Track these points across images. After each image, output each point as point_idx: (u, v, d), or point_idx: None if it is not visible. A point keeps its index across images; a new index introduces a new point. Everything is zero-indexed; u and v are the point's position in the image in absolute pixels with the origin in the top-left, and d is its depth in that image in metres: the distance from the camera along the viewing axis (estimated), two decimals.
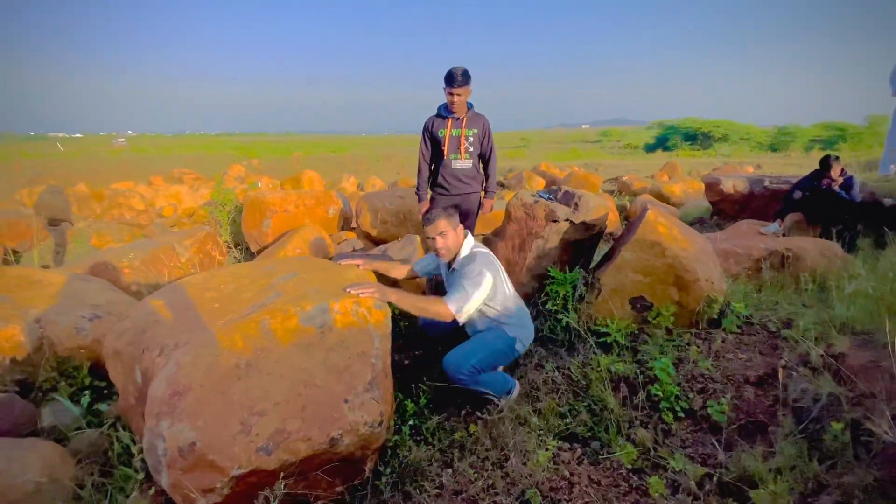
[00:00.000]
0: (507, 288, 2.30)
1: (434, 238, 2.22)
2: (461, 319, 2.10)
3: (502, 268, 2.35)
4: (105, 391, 2.27)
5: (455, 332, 2.43)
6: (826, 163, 4.92)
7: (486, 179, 3.49)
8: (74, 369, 2.27)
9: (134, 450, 1.71)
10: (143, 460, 1.64)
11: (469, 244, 2.30)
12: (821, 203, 4.94)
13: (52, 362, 2.25)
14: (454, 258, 2.31)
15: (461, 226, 2.29)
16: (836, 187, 4.85)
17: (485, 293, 2.13)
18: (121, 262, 3.66)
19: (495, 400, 2.17)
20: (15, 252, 4.97)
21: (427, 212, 2.28)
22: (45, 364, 2.23)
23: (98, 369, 2.33)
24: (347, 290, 1.91)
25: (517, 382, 2.28)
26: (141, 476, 1.65)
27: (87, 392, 2.16)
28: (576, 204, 3.02)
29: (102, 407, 2.07)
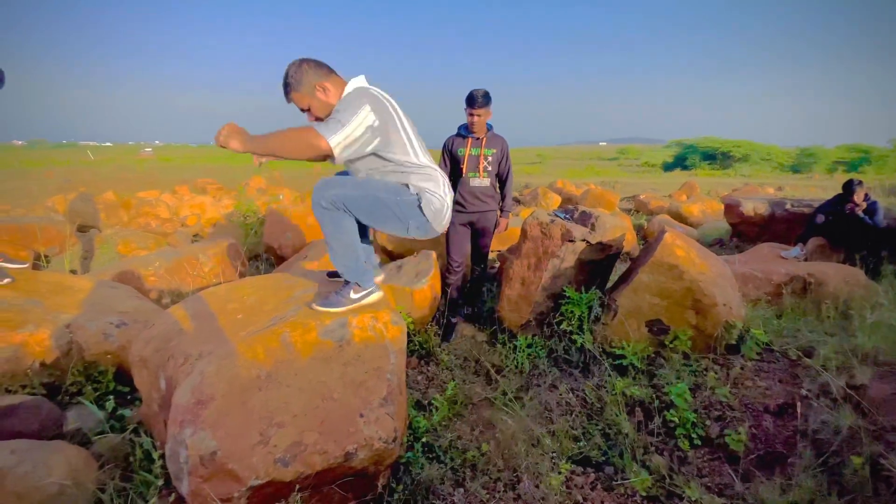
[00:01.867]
0: (415, 152, 1.89)
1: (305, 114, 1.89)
2: (337, 153, 1.68)
3: (403, 119, 1.88)
4: (128, 396, 2.33)
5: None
6: (849, 188, 4.84)
7: (503, 199, 3.53)
8: (100, 374, 2.35)
9: (154, 455, 1.75)
10: (163, 466, 1.69)
11: (353, 85, 1.86)
12: (844, 228, 4.84)
13: (79, 367, 2.32)
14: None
15: (324, 82, 1.81)
16: (859, 212, 4.76)
17: (362, 124, 1.69)
18: (146, 270, 3.77)
19: (342, 283, 1.93)
20: (46, 257, 5.15)
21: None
22: (72, 368, 2.31)
23: (122, 375, 2.40)
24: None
25: (379, 289, 1.99)
26: (160, 482, 1.69)
27: (111, 397, 2.22)
28: (592, 224, 3.03)
29: (125, 412, 2.13)
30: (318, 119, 1.85)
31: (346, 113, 1.69)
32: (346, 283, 1.96)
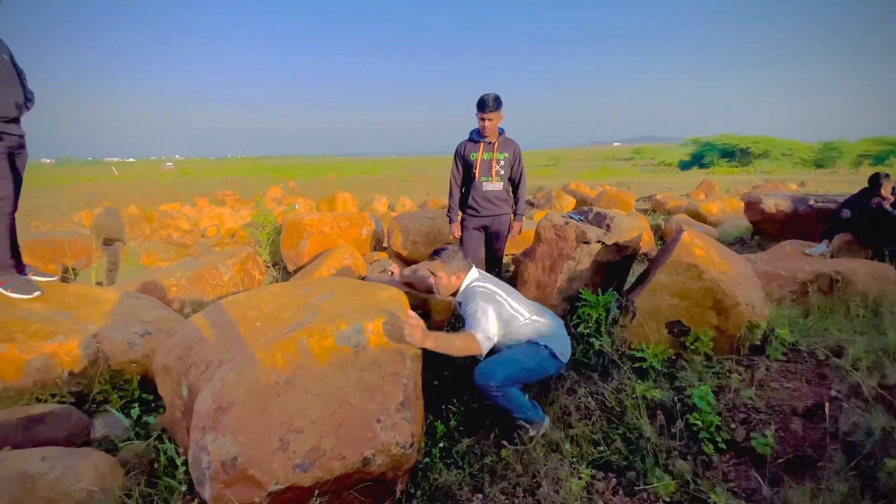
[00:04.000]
0: (522, 314, 2.28)
1: (432, 273, 2.40)
2: (483, 352, 2.09)
3: (513, 293, 2.36)
4: (152, 404, 2.39)
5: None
6: (875, 180, 4.68)
7: (516, 202, 3.52)
8: (125, 382, 2.41)
9: (178, 462, 1.79)
10: (186, 472, 1.72)
11: (468, 280, 2.36)
12: (871, 223, 4.69)
13: (105, 375, 2.39)
14: (456, 292, 2.40)
15: (461, 273, 2.35)
16: (887, 206, 4.60)
17: (495, 321, 2.15)
18: (168, 281, 3.87)
19: (525, 425, 2.14)
20: (73, 269, 5.32)
21: (437, 251, 2.40)
22: (99, 377, 2.37)
23: (146, 383, 2.46)
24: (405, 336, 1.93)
25: (546, 417, 2.23)
26: (184, 488, 1.72)
27: (136, 404, 2.28)
28: (608, 225, 3.00)
29: (150, 419, 2.18)
30: (438, 287, 2.38)
31: (481, 316, 2.11)
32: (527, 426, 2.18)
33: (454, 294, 2.40)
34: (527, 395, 2.26)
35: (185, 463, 1.70)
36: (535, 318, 2.30)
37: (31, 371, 2.26)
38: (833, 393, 2.07)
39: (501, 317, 2.20)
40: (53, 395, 2.25)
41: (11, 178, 2.55)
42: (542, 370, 2.22)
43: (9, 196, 2.54)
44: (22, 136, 2.62)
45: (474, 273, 2.40)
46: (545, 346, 2.20)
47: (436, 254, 2.38)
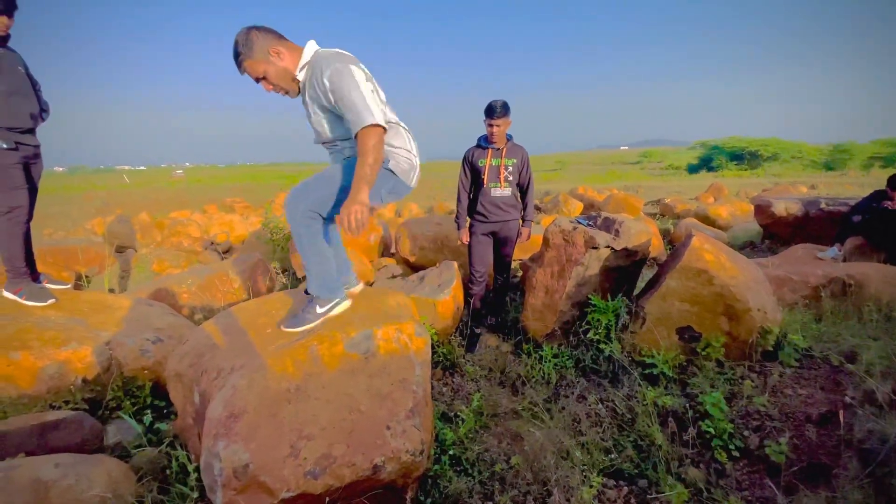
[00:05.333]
0: (383, 103, 1.82)
1: (260, 84, 1.80)
2: (384, 122, 1.68)
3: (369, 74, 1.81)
4: (164, 410, 2.41)
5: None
6: (894, 182, 4.60)
7: (525, 208, 3.52)
8: (138, 389, 2.43)
9: (190, 468, 1.80)
10: (197, 479, 1.73)
11: (310, 50, 1.78)
12: (884, 226, 4.62)
13: (118, 382, 2.41)
14: (296, 87, 1.82)
15: (278, 47, 1.74)
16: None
17: (367, 86, 1.68)
18: (179, 288, 3.91)
19: (308, 286, 1.92)
20: (86, 277, 5.40)
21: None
22: (112, 384, 2.40)
23: (158, 389, 2.48)
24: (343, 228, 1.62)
25: (347, 297, 1.98)
26: (196, 495, 1.73)
27: (148, 411, 2.30)
28: (616, 230, 2.99)
29: (162, 426, 2.20)
30: (277, 87, 1.80)
31: (351, 84, 1.64)
32: (311, 298, 1.94)
33: (300, 86, 1.81)
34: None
35: (197, 470, 1.71)
36: (392, 121, 1.85)
37: (45, 378, 2.29)
38: (847, 399, 2.04)
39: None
40: (67, 402, 2.28)
41: (27, 187, 2.60)
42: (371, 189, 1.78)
43: (24, 205, 2.59)
44: (37, 147, 2.67)
45: (313, 45, 1.80)
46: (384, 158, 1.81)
47: (235, 54, 1.74)
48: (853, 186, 15.71)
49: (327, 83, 1.67)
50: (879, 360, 2.24)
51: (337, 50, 1.78)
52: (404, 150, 1.90)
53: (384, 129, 1.67)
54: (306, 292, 1.99)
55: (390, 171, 1.88)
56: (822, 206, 6.29)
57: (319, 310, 1.92)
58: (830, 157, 35.33)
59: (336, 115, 1.78)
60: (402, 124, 1.93)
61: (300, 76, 1.78)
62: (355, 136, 1.67)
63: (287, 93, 1.84)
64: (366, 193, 1.62)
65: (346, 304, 1.99)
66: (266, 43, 1.72)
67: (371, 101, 1.66)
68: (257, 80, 1.78)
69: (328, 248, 1.92)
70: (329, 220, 1.93)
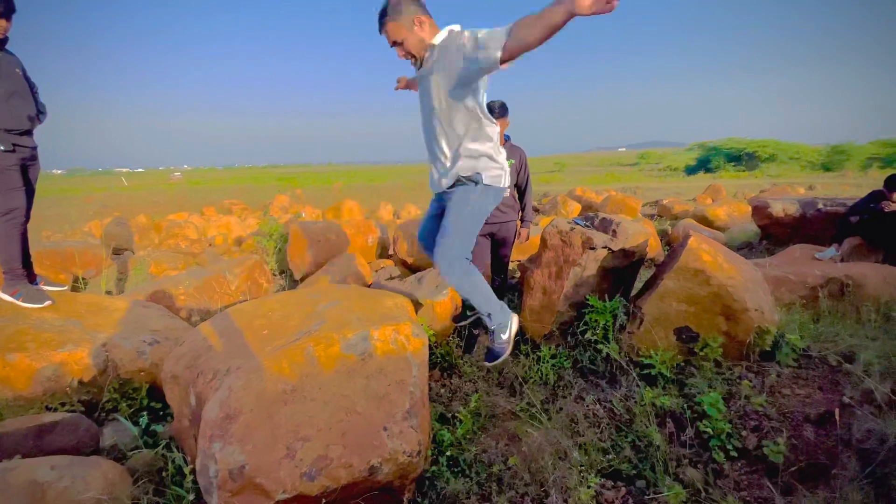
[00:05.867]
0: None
1: (394, 48, 1.88)
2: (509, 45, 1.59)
3: None
4: (160, 412, 2.40)
5: None
6: (892, 182, 4.62)
7: (523, 209, 3.52)
8: (134, 391, 2.42)
9: (186, 470, 1.79)
10: (193, 481, 1.72)
11: (446, 31, 1.85)
12: (881, 226, 4.63)
13: (114, 384, 2.41)
14: (423, 57, 1.88)
15: (420, 16, 1.80)
16: (894, 208, 4.54)
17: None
18: (176, 290, 3.90)
19: (488, 323, 2.05)
20: (83, 279, 5.38)
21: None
22: (108, 386, 2.39)
23: (155, 391, 2.47)
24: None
25: (515, 315, 2.10)
26: (192, 497, 1.72)
27: (144, 413, 2.29)
28: (614, 231, 2.99)
29: (158, 428, 2.19)
30: (409, 55, 1.86)
31: (483, 32, 1.64)
32: (492, 331, 2.06)
33: (429, 52, 1.85)
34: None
35: (193, 472, 1.70)
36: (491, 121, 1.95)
37: (41, 380, 2.28)
38: (846, 399, 2.04)
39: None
40: (63, 404, 2.27)
41: (24, 189, 2.59)
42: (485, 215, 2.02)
43: (21, 207, 2.59)
44: (34, 148, 2.67)
45: (457, 26, 1.87)
46: (487, 184, 1.95)
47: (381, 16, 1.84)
48: (851, 187, 15.76)
49: (468, 38, 1.68)
50: (878, 359, 2.24)
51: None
52: (499, 163, 2.01)
53: (503, 48, 1.60)
54: (455, 319, 2.20)
55: (487, 185, 1.98)
56: (820, 206, 6.31)
57: (504, 336, 2.02)
58: (828, 158, 35.43)
59: (461, 96, 1.80)
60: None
61: (433, 46, 1.83)
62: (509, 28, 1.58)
63: (415, 61, 1.90)
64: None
65: (516, 317, 2.08)
66: (414, 10, 1.79)
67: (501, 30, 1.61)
68: (393, 43, 1.85)
69: (483, 280, 2.03)
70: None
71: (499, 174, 1.99)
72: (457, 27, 1.84)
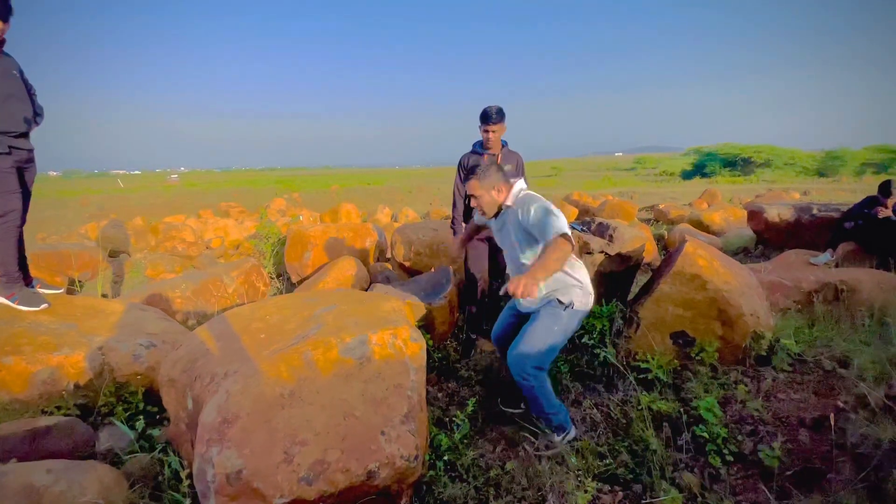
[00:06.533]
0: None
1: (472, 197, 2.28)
2: (573, 238, 1.99)
3: None
4: (157, 416, 2.39)
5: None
6: (887, 188, 4.66)
7: None
8: (130, 395, 2.41)
9: (182, 475, 1.78)
10: (190, 486, 1.71)
11: (514, 193, 2.23)
12: (875, 232, 4.67)
13: (110, 388, 2.39)
14: (498, 212, 2.29)
15: (503, 185, 2.22)
16: (888, 214, 4.58)
17: (562, 216, 2.03)
18: (173, 293, 3.89)
19: (547, 431, 2.13)
20: (79, 282, 5.36)
21: (473, 169, 2.31)
22: (104, 389, 2.38)
23: (151, 395, 2.46)
24: (512, 290, 1.86)
25: (574, 427, 2.20)
26: (188, 502, 1.71)
27: (140, 417, 2.28)
28: (610, 235, 3.01)
29: (154, 432, 2.18)
30: (481, 208, 2.27)
31: (548, 213, 2.01)
32: (553, 431, 2.17)
33: (498, 213, 2.29)
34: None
35: (190, 476, 1.69)
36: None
37: (37, 383, 2.27)
38: (840, 404, 2.06)
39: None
40: (59, 408, 2.26)
41: (20, 191, 2.58)
42: (568, 331, 2.18)
43: (17, 209, 2.58)
44: (31, 151, 2.66)
45: (521, 184, 2.27)
46: (569, 303, 2.14)
47: (471, 173, 2.29)
48: (845, 192, 15.86)
49: (532, 212, 2.07)
50: (872, 364, 2.26)
51: (531, 193, 2.23)
52: (586, 285, 2.22)
53: (570, 244, 1.96)
54: (503, 403, 2.44)
55: (575, 310, 2.17)
56: (815, 212, 6.36)
57: (558, 438, 2.16)
58: (823, 163, 35.66)
59: (530, 238, 2.15)
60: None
61: (504, 208, 2.25)
62: (549, 241, 1.97)
63: (484, 213, 2.31)
64: (542, 276, 1.88)
65: (574, 431, 2.20)
66: (496, 180, 2.21)
67: (564, 221, 1.99)
68: (472, 195, 2.26)
69: (550, 388, 2.17)
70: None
71: (587, 301, 2.21)
72: (519, 188, 2.25)
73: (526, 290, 1.80)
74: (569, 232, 1.94)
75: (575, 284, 2.17)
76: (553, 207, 2.05)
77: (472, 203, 2.29)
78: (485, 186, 2.22)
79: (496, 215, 2.32)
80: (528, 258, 2.21)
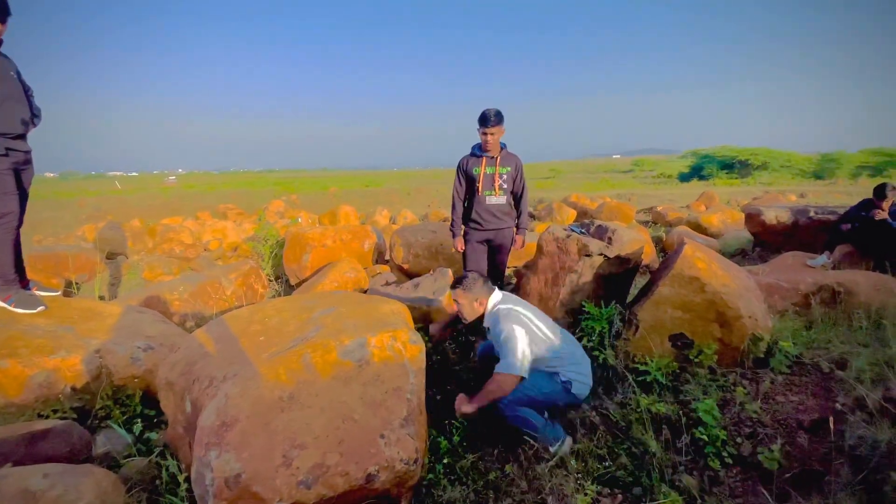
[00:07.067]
0: (545, 333, 2.30)
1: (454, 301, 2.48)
2: (525, 374, 2.15)
3: (537, 313, 2.40)
4: (154, 420, 2.37)
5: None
6: (881, 191, 4.68)
7: (519, 216, 3.54)
8: (128, 398, 2.40)
9: (180, 479, 1.77)
10: (188, 490, 1.70)
11: (492, 303, 2.39)
12: (872, 234, 4.69)
13: (108, 391, 2.38)
14: (482, 317, 2.44)
15: (482, 299, 2.40)
16: (884, 216, 4.60)
17: (525, 339, 2.18)
18: (171, 295, 3.88)
19: (538, 444, 2.13)
20: (76, 284, 5.34)
21: (458, 279, 2.46)
22: (101, 392, 2.36)
23: (149, 398, 2.45)
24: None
25: (569, 437, 2.19)
26: None
27: (138, 420, 2.27)
28: (609, 238, 3.01)
29: (152, 435, 2.17)
30: (462, 316, 2.46)
31: (509, 341, 2.17)
32: (547, 444, 2.19)
33: (480, 319, 2.45)
34: (545, 415, 2.25)
35: (188, 480, 1.69)
36: (560, 345, 2.30)
37: (33, 386, 2.25)
38: (838, 406, 2.06)
39: (532, 337, 2.24)
40: (55, 411, 2.24)
41: (17, 193, 2.57)
42: (563, 395, 2.24)
43: (14, 211, 2.57)
44: (28, 152, 2.65)
45: (497, 295, 2.43)
46: (566, 381, 2.23)
47: (457, 282, 2.46)
48: (842, 195, 15.93)
49: (500, 337, 2.23)
50: (869, 366, 2.27)
51: (511, 309, 2.32)
52: (584, 376, 2.31)
53: (521, 378, 2.15)
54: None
55: (572, 395, 2.26)
56: (812, 214, 6.39)
57: (552, 449, 2.15)
58: (819, 166, 35.84)
59: None
60: (580, 348, 2.44)
61: (486, 317, 2.40)
62: (494, 372, 2.17)
63: (465, 319, 2.47)
64: (475, 408, 2.16)
65: (570, 442, 2.21)
66: (479, 293, 2.39)
67: (522, 356, 2.14)
68: (455, 302, 2.46)
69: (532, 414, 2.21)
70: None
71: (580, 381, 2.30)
72: (494, 302, 2.40)
73: (460, 410, 2.16)
74: (517, 364, 2.11)
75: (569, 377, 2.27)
76: (513, 337, 2.17)
77: (454, 308, 2.51)
78: (468, 297, 2.40)
79: (479, 319, 2.47)
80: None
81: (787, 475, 1.80)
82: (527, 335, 2.20)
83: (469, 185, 3.41)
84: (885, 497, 1.54)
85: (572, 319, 2.97)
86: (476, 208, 3.37)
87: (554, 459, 2.06)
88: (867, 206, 4.78)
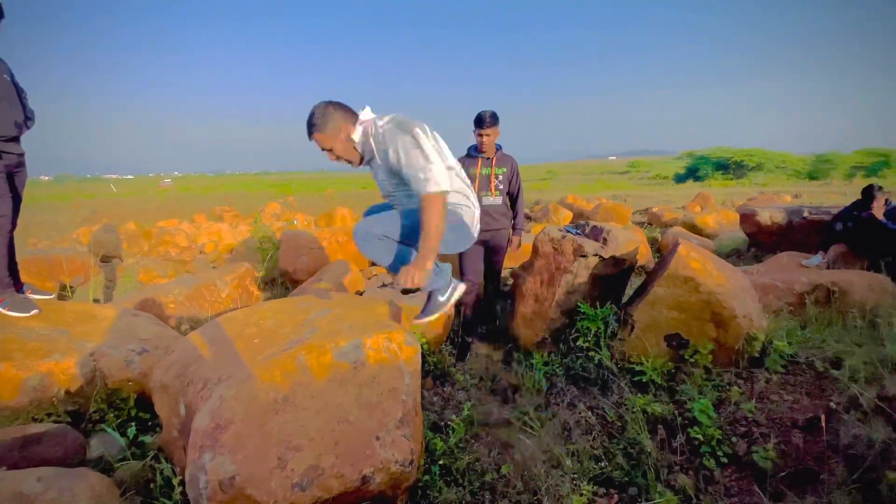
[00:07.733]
0: (451, 165, 1.97)
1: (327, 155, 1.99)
2: (448, 187, 1.80)
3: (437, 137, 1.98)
4: (149, 423, 2.36)
5: None
6: (869, 193, 4.73)
7: (515, 217, 3.55)
8: (122, 401, 2.38)
9: (174, 482, 1.77)
10: (182, 493, 1.70)
11: (365, 121, 1.93)
12: (865, 234, 4.73)
13: (102, 394, 2.37)
14: (363, 155, 1.98)
15: (346, 126, 1.91)
16: (878, 216, 4.64)
17: (430, 145, 1.81)
18: (166, 298, 3.86)
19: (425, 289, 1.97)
20: (71, 287, 5.30)
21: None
22: (95, 396, 2.35)
23: (143, 401, 2.43)
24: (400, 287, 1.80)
25: (457, 282, 2.05)
26: None
27: (132, 423, 2.25)
28: (605, 238, 3.02)
29: (146, 439, 2.16)
30: (340, 159, 1.98)
31: (422, 156, 1.78)
32: (429, 294, 2.06)
33: (364, 156, 1.99)
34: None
35: (182, 483, 1.68)
36: (461, 187, 2.00)
37: (27, 390, 2.24)
38: (832, 405, 2.07)
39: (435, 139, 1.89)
40: (49, 415, 2.23)
41: (10, 196, 2.56)
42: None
43: (7, 214, 2.55)
44: (21, 155, 2.64)
45: (368, 113, 1.95)
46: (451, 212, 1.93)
47: (310, 127, 1.91)
48: (836, 195, 16.03)
49: (396, 156, 1.82)
50: (864, 365, 2.28)
51: (395, 118, 1.90)
52: (471, 207, 2.06)
53: (446, 193, 1.79)
54: (404, 292, 2.01)
55: (454, 227, 1.99)
56: (806, 214, 6.43)
57: (442, 298, 2.03)
58: (814, 166, 36.10)
59: (401, 178, 1.90)
60: (469, 183, 2.10)
61: (367, 149, 1.95)
62: (421, 200, 1.78)
63: (350, 162, 2.00)
64: (430, 262, 1.79)
65: (463, 286, 2.06)
66: (340, 121, 1.89)
67: (437, 169, 1.77)
68: (323, 150, 1.96)
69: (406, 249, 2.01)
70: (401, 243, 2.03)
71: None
72: (369, 118, 1.95)
73: (418, 281, 1.74)
74: (437, 179, 1.73)
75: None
76: (416, 138, 1.77)
77: (330, 158, 1.98)
78: (330, 135, 1.89)
79: (363, 160, 2.00)
80: (414, 201, 1.94)
81: (783, 474, 1.81)
82: (426, 137, 1.83)
83: None
84: (880, 495, 1.55)
85: (568, 320, 2.97)
86: None
87: (448, 301, 2.02)
88: (860, 206, 4.82)
